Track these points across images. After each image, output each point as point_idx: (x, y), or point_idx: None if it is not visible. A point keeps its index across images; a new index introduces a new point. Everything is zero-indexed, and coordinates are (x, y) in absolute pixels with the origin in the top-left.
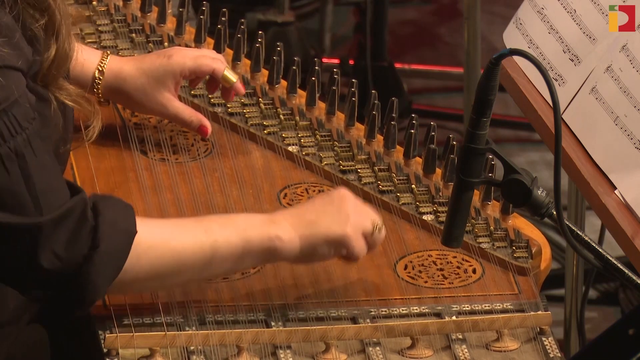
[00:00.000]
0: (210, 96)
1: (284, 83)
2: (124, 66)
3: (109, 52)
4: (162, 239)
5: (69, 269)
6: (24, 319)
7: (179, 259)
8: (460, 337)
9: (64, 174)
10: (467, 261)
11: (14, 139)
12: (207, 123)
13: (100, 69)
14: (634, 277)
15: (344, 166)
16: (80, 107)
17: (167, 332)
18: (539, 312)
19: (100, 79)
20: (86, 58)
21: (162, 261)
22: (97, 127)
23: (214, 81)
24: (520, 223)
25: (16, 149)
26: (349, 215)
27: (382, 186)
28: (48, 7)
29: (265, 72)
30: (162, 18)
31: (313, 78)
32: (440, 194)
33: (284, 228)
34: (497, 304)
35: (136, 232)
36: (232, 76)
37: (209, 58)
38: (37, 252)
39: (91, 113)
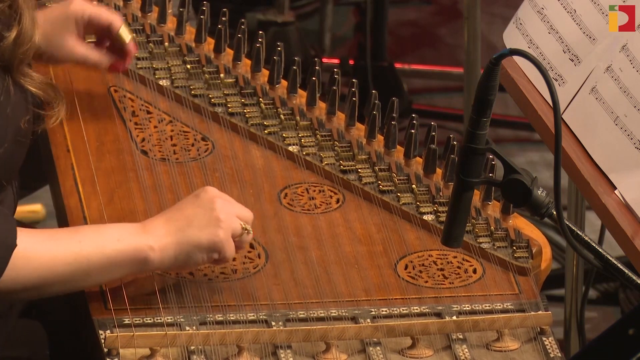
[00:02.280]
0: (210, 96)
1: (284, 83)
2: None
3: None
4: (37, 251)
5: None
6: (11, 313)
7: (53, 271)
8: (461, 337)
9: (22, 159)
10: (467, 261)
11: None
12: (116, 63)
13: None
14: (634, 277)
15: (344, 166)
16: (45, 93)
17: (168, 332)
18: (540, 312)
19: None
20: None
21: (38, 272)
22: (61, 113)
23: (105, 35)
24: (520, 223)
25: None
26: (219, 219)
27: (383, 186)
28: None
29: (265, 72)
30: (162, 18)
31: (313, 78)
32: (441, 193)
33: (157, 237)
34: (498, 304)
35: (15, 245)
36: (126, 34)
37: (108, 11)
38: None
39: (55, 99)
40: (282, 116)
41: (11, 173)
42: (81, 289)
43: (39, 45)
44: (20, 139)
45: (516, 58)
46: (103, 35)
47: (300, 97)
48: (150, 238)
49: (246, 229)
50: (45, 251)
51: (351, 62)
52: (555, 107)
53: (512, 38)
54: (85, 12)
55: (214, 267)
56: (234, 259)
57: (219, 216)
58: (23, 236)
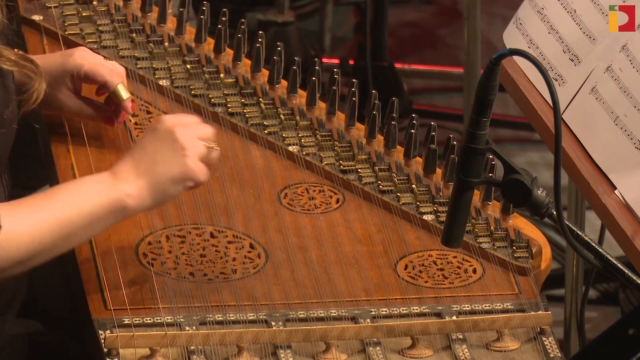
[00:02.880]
0: (210, 96)
1: (284, 83)
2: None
3: None
4: (20, 226)
5: None
6: (8, 313)
7: (39, 242)
8: (461, 337)
9: (13, 138)
10: (467, 261)
11: None
12: (113, 115)
13: None
14: (634, 277)
15: (344, 166)
16: (23, 68)
17: (168, 332)
18: (540, 312)
19: None
20: None
21: (23, 248)
22: (41, 88)
23: (103, 91)
24: (520, 223)
25: None
26: (184, 147)
27: (383, 186)
28: None
29: (265, 72)
30: (162, 18)
31: (313, 78)
32: (441, 193)
33: (130, 183)
34: (498, 304)
35: (0, 226)
36: (123, 93)
37: (107, 69)
38: None
39: (34, 75)
40: (282, 116)
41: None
42: (67, 251)
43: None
44: (3, 130)
45: (516, 58)
46: (99, 90)
47: (300, 97)
48: (125, 185)
49: (211, 147)
50: (28, 225)
51: (351, 62)
52: (555, 107)
53: (512, 38)
54: (82, 68)
55: (215, 267)
56: (234, 259)
57: (183, 144)
58: (3, 216)
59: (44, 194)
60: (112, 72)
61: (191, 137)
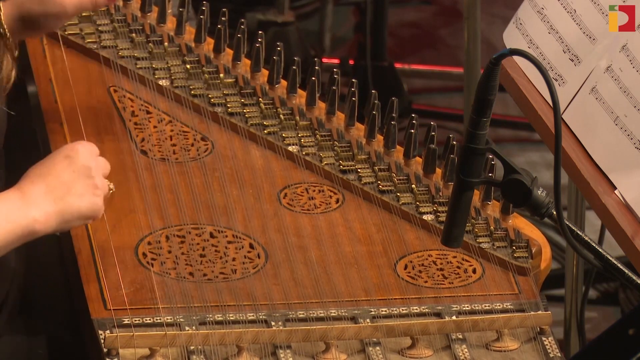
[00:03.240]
0: (210, 96)
1: (284, 83)
2: None
3: None
4: None
5: None
6: (2, 313)
7: None
8: (460, 337)
9: (3, 133)
10: (467, 261)
11: None
12: None
13: None
14: (634, 277)
15: (344, 166)
16: None
17: (167, 332)
18: (539, 312)
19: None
20: None
21: None
22: (11, 75)
23: None
24: (520, 223)
25: None
26: (96, 186)
27: (382, 186)
28: None
29: (265, 72)
30: (162, 18)
31: (313, 78)
32: (441, 193)
33: (40, 208)
34: (497, 304)
35: None
36: None
37: None
38: None
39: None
40: (281, 116)
41: None
42: None
43: (29, 6)
44: None
45: (516, 58)
46: None
47: (300, 97)
48: (34, 210)
49: (111, 189)
50: None
51: (351, 62)
52: (555, 107)
53: (512, 38)
54: None
55: (214, 267)
56: (234, 259)
57: (97, 184)
58: None
59: None
60: None
61: (101, 175)
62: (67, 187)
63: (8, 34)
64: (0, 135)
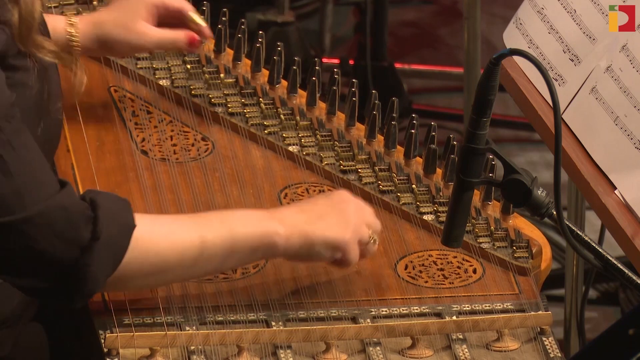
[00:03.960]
0: (210, 96)
1: (284, 83)
2: (99, 13)
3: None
4: (160, 233)
5: (66, 259)
6: (22, 320)
7: (179, 252)
8: (461, 337)
9: (59, 142)
10: (467, 261)
11: None
12: (193, 33)
13: (70, 22)
14: (634, 277)
15: (344, 166)
16: (62, 60)
17: (168, 332)
18: (540, 312)
19: (72, 33)
20: (56, 24)
21: (161, 256)
22: (83, 79)
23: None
24: (520, 223)
25: None
26: (349, 221)
27: (383, 186)
28: None
29: (265, 72)
30: None
31: (313, 78)
32: (441, 193)
33: (285, 224)
34: (498, 304)
35: (135, 225)
36: (198, 19)
37: None
38: (30, 245)
39: (73, 64)
40: (282, 116)
41: (51, 155)
42: (203, 276)
43: (108, 31)
44: (52, 122)
45: (516, 58)
46: (174, 24)
47: (300, 97)
48: (278, 224)
49: (373, 239)
50: (166, 233)
51: (351, 62)
52: (555, 107)
53: (512, 38)
54: None
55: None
56: None
57: (350, 219)
58: (142, 218)
59: (192, 214)
60: (182, 1)
61: (360, 217)
62: (318, 213)
63: (78, 45)
64: (57, 143)
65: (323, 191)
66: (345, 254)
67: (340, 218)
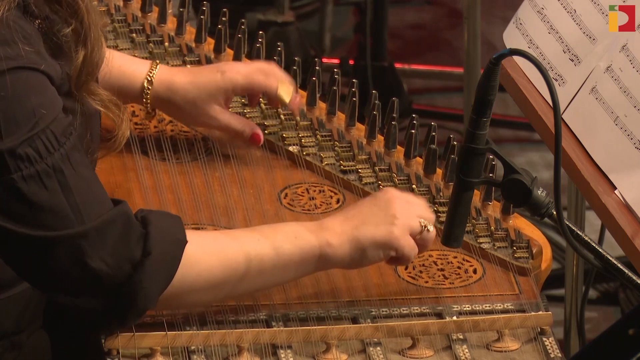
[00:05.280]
0: None
1: None
2: (175, 78)
3: (157, 61)
4: (213, 248)
5: (119, 276)
6: (25, 333)
7: (230, 267)
8: (461, 337)
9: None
10: (467, 261)
11: (52, 155)
12: (259, 130)
13: (149, 78)
14: (634, 277)
15: (344, 166)
16: (110, 112)
17: (168, 332)
18: (540, 312)
19: (149, 89)
20: (135, 69)
21: (214, 271)
22: (125, 135)
23: (256, 96)
24: (520, 223)
25: (54, 165)
26: (395, 216)
27: (383, 186)
28: (78, 9)
29: None
30: (162, 18)
31: (313, 78)
32: (441, 194)
33: (333, 234)
34: (498, 304)
35: (186, 241)
36: (285, 95)
37: (262, 74)
38: (84, 260)
39: (120, 119)
40: (282, 116)
41: None
42: (253, 292)
43: (177, 103)
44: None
45: (516, 58)
46: (252, 98)
47: (301, 97)
48: (327, 234)
49: (425, 227)
50: (217, 248)
51: (351, 62)
52: (555, 107)
53: (512, 38)
54: (237, 84)
55: None
56: None
57: (395, 214)
58: (193, 234)
59: (241, 229)
60: (268, 75)
61: (407, 210)
62: (362, 217)
63: (147, 103)
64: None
65: (323, 191)
66: (398, 249)
67: (386, 216)
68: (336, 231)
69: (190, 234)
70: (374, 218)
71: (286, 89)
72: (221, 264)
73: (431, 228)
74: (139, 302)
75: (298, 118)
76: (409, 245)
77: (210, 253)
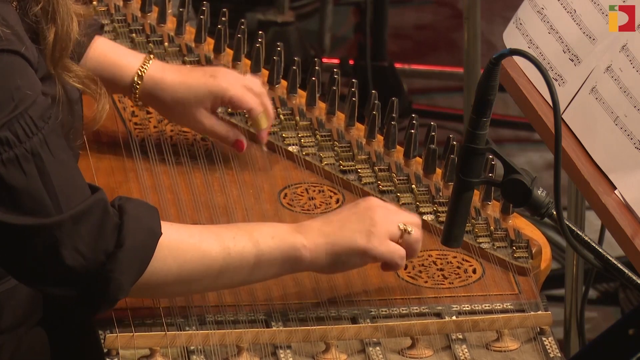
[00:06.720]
0: None
1: (284, 83)
2: (166, 75)
3: (152, 56)
4: (189, 242)
5: (92, 266)
6: (23, 327)
7: (205, 262)
8: (461, 337)
9: (78, 158)
10: (467, 261)
11: (30, 139)
12: (243, 138)
13: (140, 73)
14: (634, 277)
15: (344, 166)
16: (88, 88)
17: (167, 332)
18: (539, 312)
19: (138, 84)
20: (128, 62)
21: (188, 264)
22: (105, 110)
23: (239, 109)
24: (520, 223)
25: (32, 149)
26: (373, 223)
27: (382, 186)
28: None
29: (265, 72)
30: (162, 18)
31: (313, 78)
32: (441, 194)
33: (310, 237)
34: (497, 304)
35: (160, 233)
36: (262, 122)
37: (253, 94)
38: (59, 249)
39: (97, 94)
40: (282, 116)
41: None
42: (229, 287)
43: (164, 100)
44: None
45: (516, 58)
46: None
47: (300, 97)
48: (304, 237)
49: (405, 230)
50: (193, 243)
51: (351, 62)
52: (555, 107)
53: (512, 38)
54: (227, 93)
55: None
56: None
57: (374, 220)
58: (168, 227)
59: (218, 225)
60: (259, 95)
61: (386, 217)
62: (341, 223)
63: (136, 97)
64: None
65: (322, 191)
66: (378, 256)
67: (364, 223)
68: (313, 235)
69: (166, 227)
70: (352, 225)
71: (266, 117)
72: (195, 257)
73: (412, 231)
74: (110, 292)
75: (298, 118)
76: (389, 251)
77: (186, 247)
